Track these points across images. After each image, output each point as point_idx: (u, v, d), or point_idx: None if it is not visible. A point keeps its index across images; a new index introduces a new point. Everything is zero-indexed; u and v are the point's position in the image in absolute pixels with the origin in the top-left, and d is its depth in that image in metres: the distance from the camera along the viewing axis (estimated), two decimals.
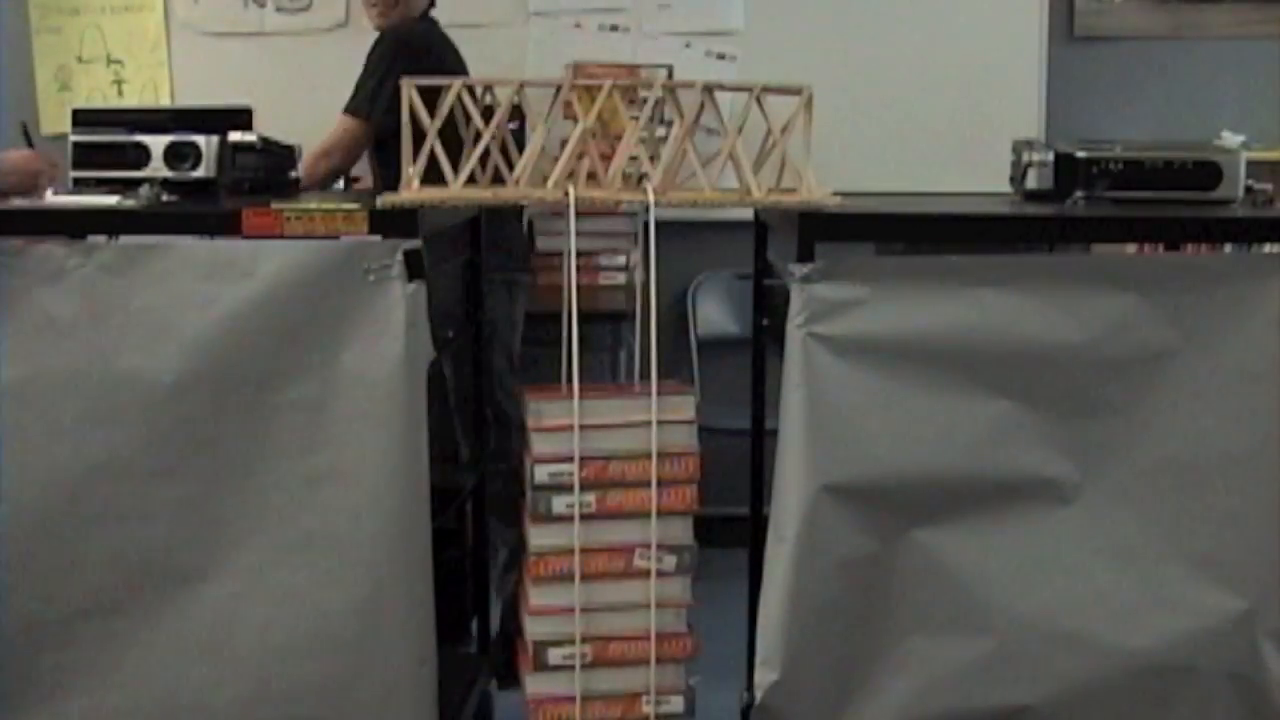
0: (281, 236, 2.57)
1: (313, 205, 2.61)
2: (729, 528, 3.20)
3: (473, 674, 3.19)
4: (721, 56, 4.65)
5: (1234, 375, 2.59)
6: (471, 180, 2.62)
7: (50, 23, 4.87)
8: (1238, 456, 2.61)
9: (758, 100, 2.59)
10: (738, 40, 4.10)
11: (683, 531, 2.69)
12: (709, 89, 2.61)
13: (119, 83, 4.86)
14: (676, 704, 2.73)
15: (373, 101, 3.60)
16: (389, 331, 2.53)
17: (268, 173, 2.93)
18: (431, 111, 2.55)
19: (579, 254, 2.78)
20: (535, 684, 2.68)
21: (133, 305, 2.55)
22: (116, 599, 2.63)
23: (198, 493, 2.60)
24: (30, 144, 3.10)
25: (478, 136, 2.60)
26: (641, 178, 2.60)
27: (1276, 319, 2.58)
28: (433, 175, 2.61)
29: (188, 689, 2.64)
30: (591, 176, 2.61)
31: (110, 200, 2.69)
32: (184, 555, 2.61)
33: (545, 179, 2.60)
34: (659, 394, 2.63)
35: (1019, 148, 2.93)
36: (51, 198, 2.81)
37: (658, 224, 2.64)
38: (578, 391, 2.59)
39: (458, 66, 3.73)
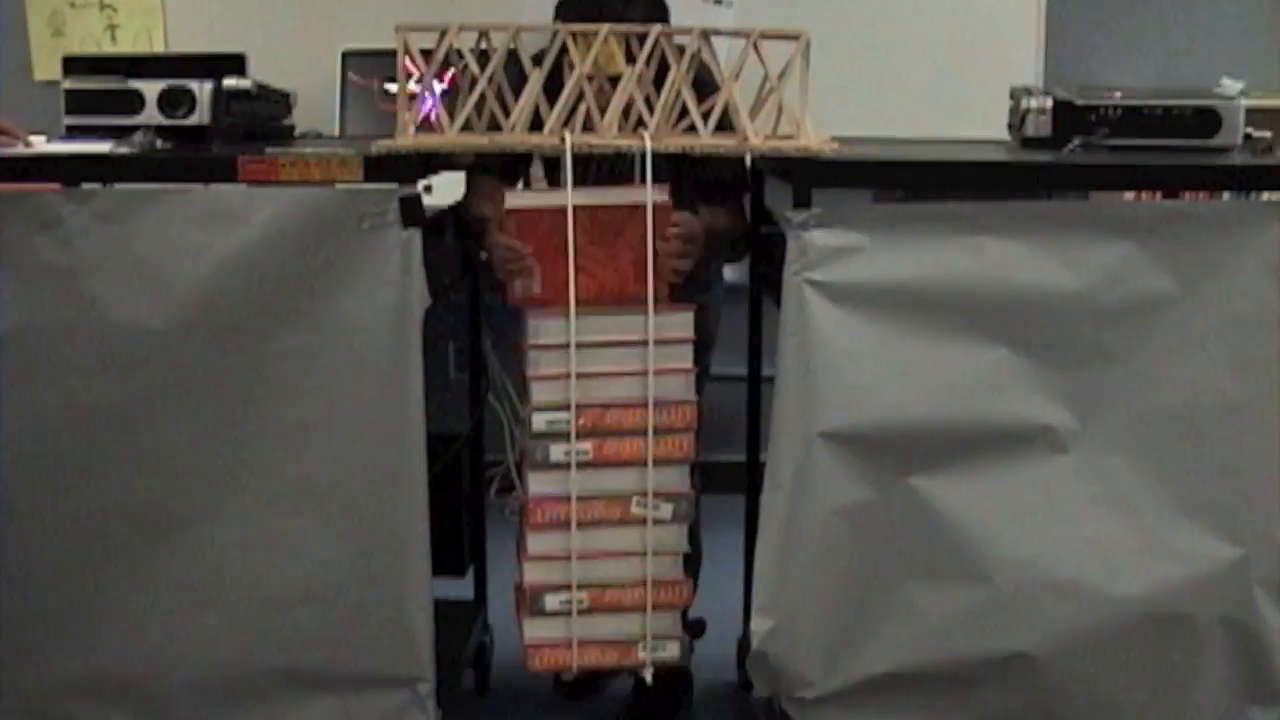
0: (277, 183, 2.56)
1: (308, 151, 2.59)
2: (726, 474, 3.21)
3: (470, 621, 3.20)
4: (719, 2, 4.60)
5: (1231, 323, 2.59)
6: (467, 127, 2.61)
7: None
8: (1234, 404, 2.62)
9: (754, 46, 2.58)
10: None
11: (679, 480, 2.69)
12: (706, 35, 2.60)
13: (112, 28, 4.82)
14: (672, 650, 2.73)
15: None
16: (385, 278, 2.53)
17: (262, 119, 2.92)
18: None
19: None
20: (532, 629, 2.69)
21: (127, 253, 2.55)
22: (110, 547, 2.64)
23: (192, 440, 2.60)
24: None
25: (473, 82, 2.59)
26: (638, 123, 2.59)
27: (1274, 267, 2.58)
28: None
29: (182, 637, 2.66)
30: (588, 123, 2.59)
31: (104, 147, 2.68)
32: (178, 503, 2.62)
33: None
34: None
35: (1017, 94, 2.92)
36: (45, 145, 2.79)
37: None
38: (574, 340, 2.59)
39: None
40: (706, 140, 2.58)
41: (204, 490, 2.62)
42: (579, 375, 2.60)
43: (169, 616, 2.66)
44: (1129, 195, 3.30)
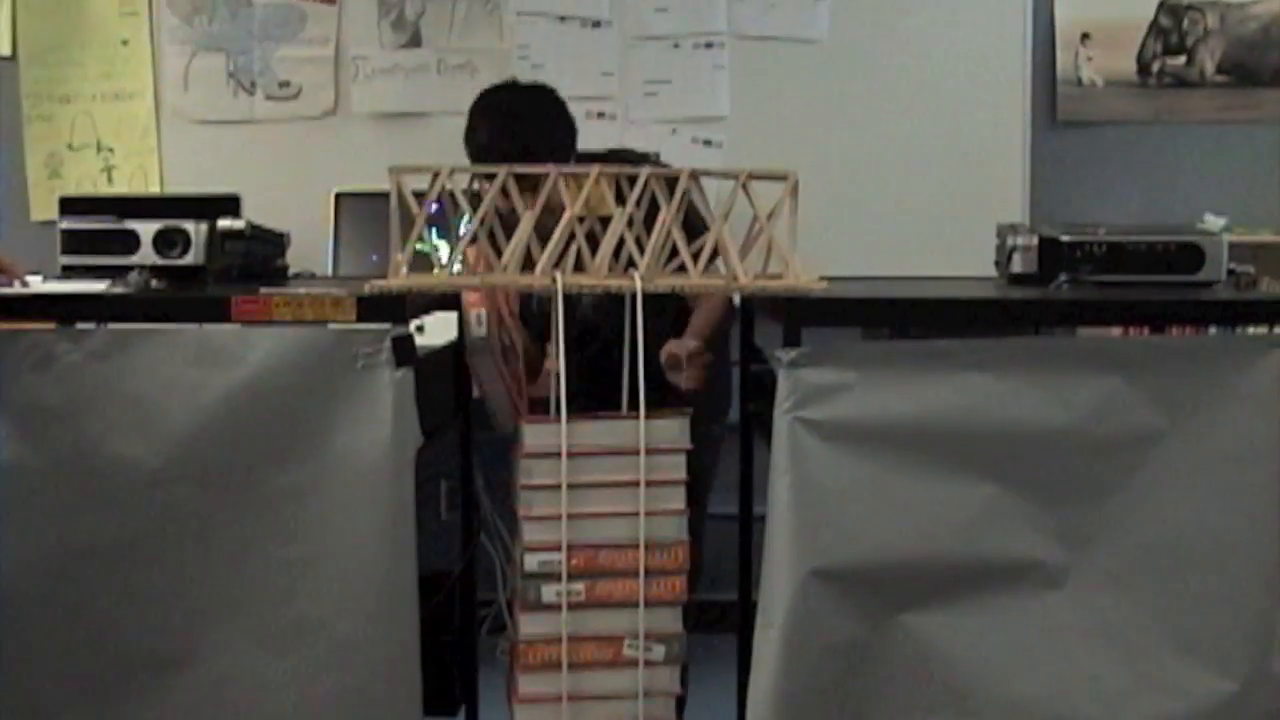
0: (271, 323, 2.58)
1: (301, 291, 2.62)
2: (718, 613, 3.19)
3: None
4: (708, 143, 4.69)
5: (1220, 457, 2.60)
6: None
7: (42, 110, 4.90)
8: (1225, 538, 2.61)
9: (744, 186, 2.61)
10: (724, 126, 4.12)
11: (672, 621, 2.67)
12: (695, 175, 2.63)
13: (109, 169, 4.89)
14: None
15: None
16: (377, 418, 2.54)
17: (256, 259, 2.94)
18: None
19: None
20: None
21: (121, 391, 2.56)
22: (102, 685, 2.61)
23: (185, 578, 2.59)
24: None
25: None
26: (629, 264, 2.62)
27: (1261, 401, 2.59)
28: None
29: None
30: (579, 263, 2.62)
31: (99, 286, 2.70)
32: (171, 641, 2.60)
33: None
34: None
35: (1003, 231, 2.95)
36: (40, 284, 2.81)
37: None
38: (565, 481, 2.59)
39: None
40: (696, 281, 2.60)
41: (195, 629, 2.60)
42: (571, 515, 2.60)
43: None
44: (1116, 331, 3.33)
